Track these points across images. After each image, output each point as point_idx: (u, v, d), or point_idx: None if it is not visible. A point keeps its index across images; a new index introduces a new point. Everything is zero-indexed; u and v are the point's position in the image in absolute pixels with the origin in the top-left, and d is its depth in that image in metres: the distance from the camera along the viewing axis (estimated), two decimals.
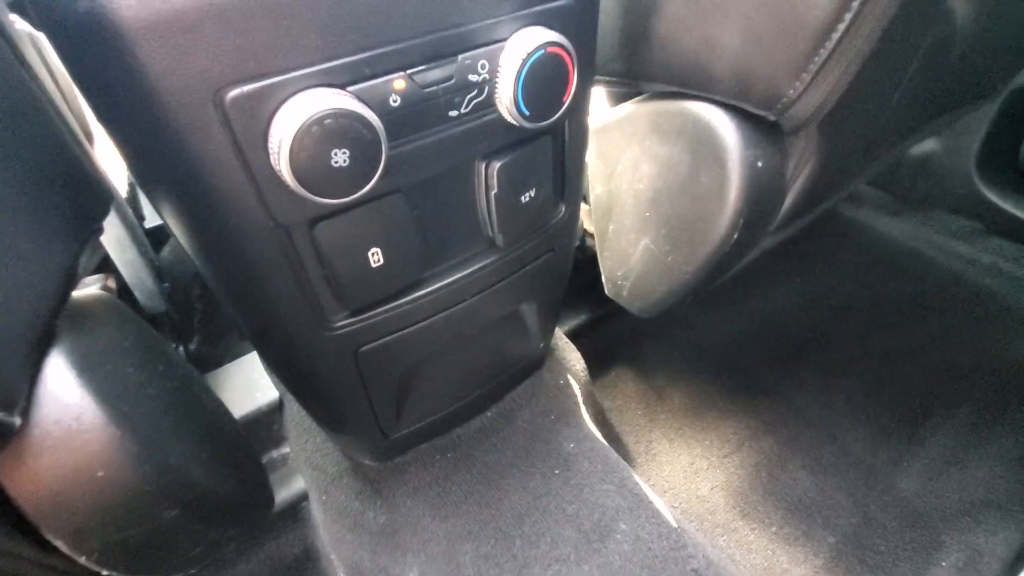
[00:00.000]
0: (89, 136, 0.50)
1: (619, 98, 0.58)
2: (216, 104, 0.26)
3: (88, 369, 0.28)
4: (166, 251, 0.86)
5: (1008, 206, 1.04)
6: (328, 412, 0.50)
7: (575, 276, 0.60)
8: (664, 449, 0.76)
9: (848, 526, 0.65)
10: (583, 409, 0.66)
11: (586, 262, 0.76)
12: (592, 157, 0.60)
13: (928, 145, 1.09)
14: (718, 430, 0.76)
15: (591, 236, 0.77)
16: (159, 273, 0.61)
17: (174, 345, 0.62)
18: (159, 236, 0.85)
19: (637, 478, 0.58)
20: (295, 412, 0.64)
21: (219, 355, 0.75)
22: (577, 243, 0.77)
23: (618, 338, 0.88)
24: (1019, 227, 1.04)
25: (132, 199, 0.72)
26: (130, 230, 0.54)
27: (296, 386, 0.48)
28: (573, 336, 0.81)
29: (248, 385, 0.65)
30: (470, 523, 0.54)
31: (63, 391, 0.26)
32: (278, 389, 0.65)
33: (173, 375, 0.37)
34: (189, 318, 0.71)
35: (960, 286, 0.97)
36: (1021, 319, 0.90)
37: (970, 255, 1.03)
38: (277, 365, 0.46)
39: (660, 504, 0.55)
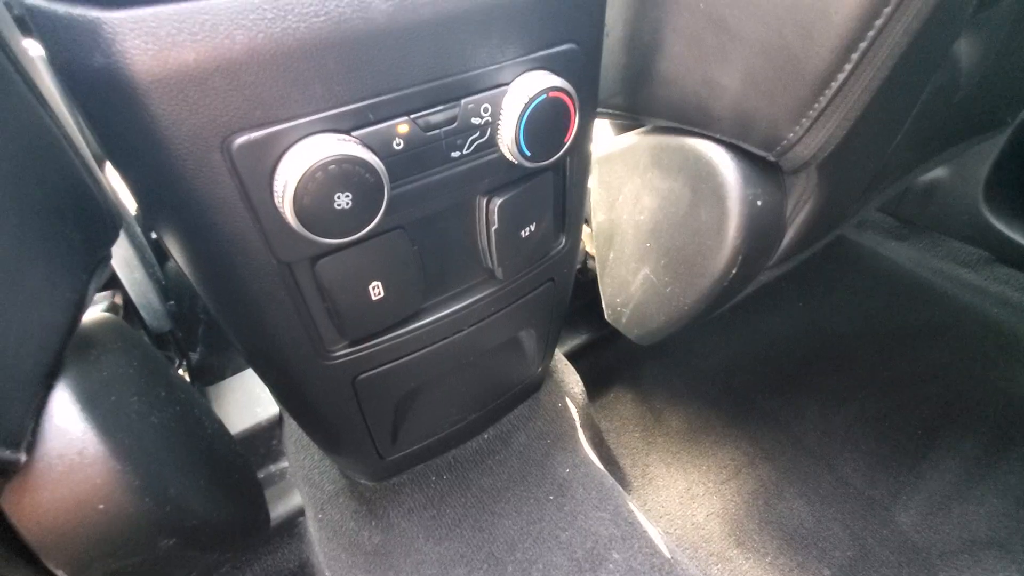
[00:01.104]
0: (100, 157, 0.52)
1: (622, 127, 0.59)
2: (223, 151, 0.27)
3: (92, 401, 0.29)
4: (172, 262, 0.87)
5: (1016, 235, 1.04)
6: (325, 433, 0.51)
7: (576, 297, 0.60)
8: (661, 473, 0.76)
9: (844, 559, 0.64)
10: (580, 433, 0.66)
11: (587, 284, 0.76)
12: (595, 185, 0.60)
13: (935, 171, 1.08)
14: (715, 455, 0.76)
15: (592, 258, 0.78)
16: (165, 292, 0.62)
17: (178, 360, 0.63)
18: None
19: (632, 506, 0.58)
20: (294, 428, 0.65)
21: (222, 366, 0.76)
22: (579, 266, 0.78)
23: (618, 359, 0.88)
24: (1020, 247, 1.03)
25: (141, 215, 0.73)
26: (138, 250, 0.55)
27: (293, 408, 0.49)
28: (573, 357, 0.81)
29: (249, 399, 0.66)
30: (463, 547, 0.54)
31: (67, 424, 0.27)
32: (278, 404, 0.66)
33: (175, 399, 0.38)
34: (193, 329, 0.72)
35: (966, 315, 0.96)
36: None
37: (977, 284, 1.02)
38: (275, 388, 0.47)
39: (654, 533, 0.55)
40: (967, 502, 0.69)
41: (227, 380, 0.68)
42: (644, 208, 0.54)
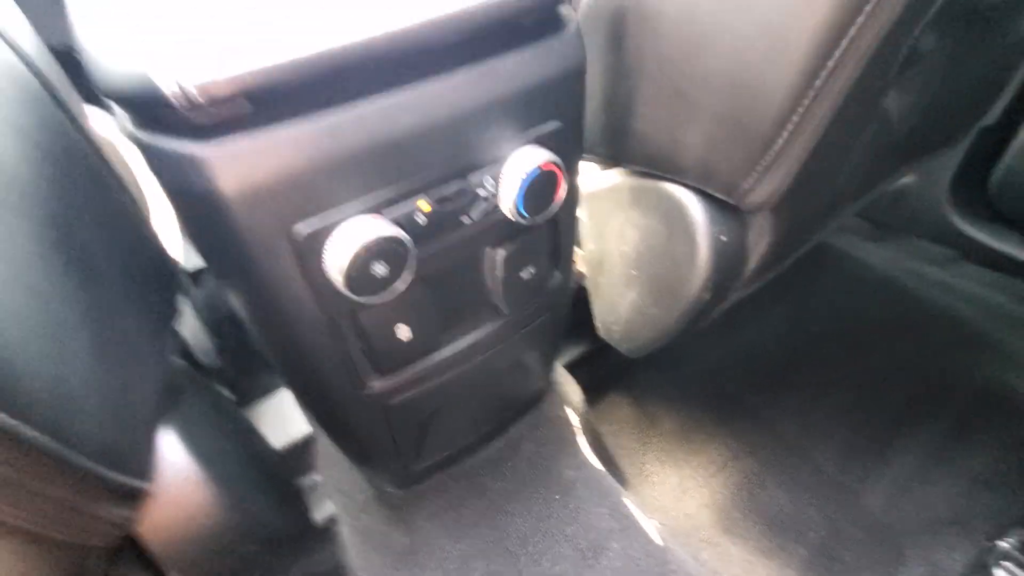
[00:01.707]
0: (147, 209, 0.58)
1: (607, 164, 0.66)
2: (287, 236, 0.35)
3: (187, 436, 0.36)
4: (196, 292, 0.94)
5: (980, 235, 1.11)
6: (358, 449, 0.58)
7: (573, 312, 0.68)
8: (656, 470, 0.83)
9: (818, 539, 0.72)
10: (581, 437, 0.73)
11: (583, 300, 0.84)
12: (584, 217, 0.68)
13: (904, 178, 1.16)
14: (704, 452, 0.84)
15: (586, 276, 0.85)
16: (215, 330, 0.69)
17: (227, 391, 0.71)
18: (193, 276, 0.93)
19: (629, 501, 0.66)
20: (325, 445, 0.72)
21: (251, 388, 0.83)
22: (575, 286, 0.85)
23: (613, 368, 0.96)
24: (990, 255, 1.11)
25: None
26: (188, 295, 0.62)
27: (331, 429, 0.56)
28: (572, 367, 0.89)
29: (282, 420, 0.73)
30: (481, 544, 0.62)
31: (174, 457, 0.34)
32: (309, 423, 0.74)
33: (238, 429, 0.46)
34: (224, 357, 0.79)
35: (934, 311, 1.04)
36: (990, 343, 0.97)
37: (945, 281, 1.10)
38: (316, 414, 0.54)
39: (648, 525, 0.63)
40: (929, 484, 0.77)
41: (261, 403, 0.75)
42: (628, 240, 0.61)
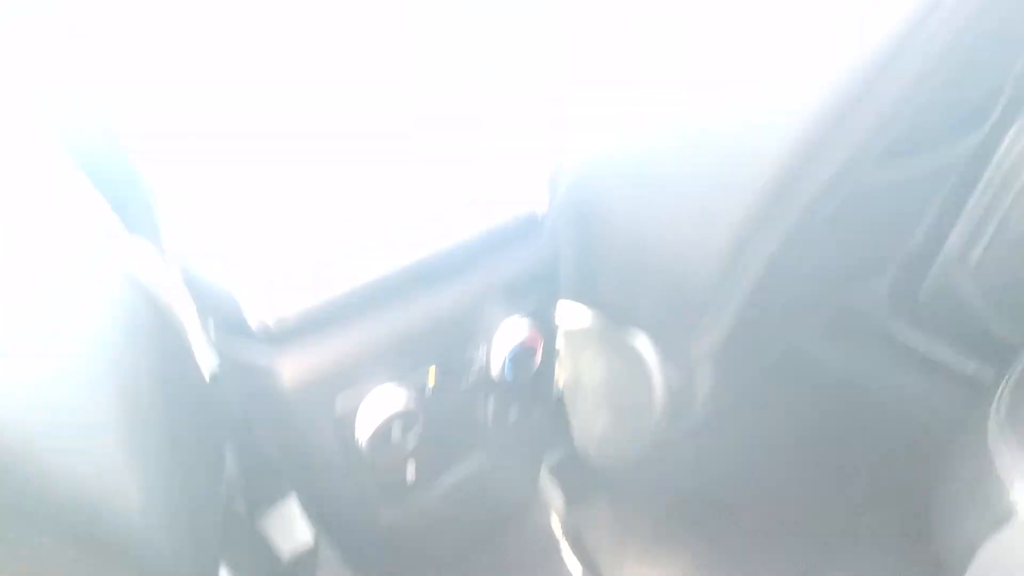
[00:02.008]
0: None
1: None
2: (327, 407, 0.45)
3: (229, 564, 0.45)
4: None
5: (915, 340, 1.25)
6: (363, 562, 0.65)
7: (555, 420, 0.77)
8: (634, 571, 0.89)
9: None
10: (563, 543, 0.80)
11: (564, 408, 0.93)
12: (563, 347, 0.79)
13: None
14: (679, 552, 0.90)
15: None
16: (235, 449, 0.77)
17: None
18: None
19: None
20: (326, 552, 0.78)
21: (262, 498, 0.89)
22: (558, 396, 0.95)
23: (593, 471, 1.03)
24: (927, 358, 1.23)
25: None
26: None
27: (340, 544, 0.63)
28: (555, 470, 0.97)
29: (288, 529, 0.80)
30: None
31: None
32: (313, 529, 0.80)
33: (259, 547, 0.53)
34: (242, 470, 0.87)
35: (883, 412, 1.14)
36: (935, 444, 1.07)
37: (893, 383, 1.22)
38: (327, 531, 0.62)
39: None
40: None
41: (270, 511, 0.82)
42: (599, 372, 0.73)
